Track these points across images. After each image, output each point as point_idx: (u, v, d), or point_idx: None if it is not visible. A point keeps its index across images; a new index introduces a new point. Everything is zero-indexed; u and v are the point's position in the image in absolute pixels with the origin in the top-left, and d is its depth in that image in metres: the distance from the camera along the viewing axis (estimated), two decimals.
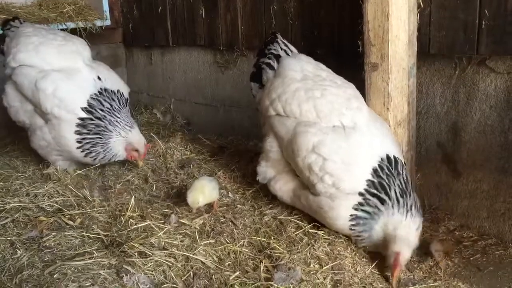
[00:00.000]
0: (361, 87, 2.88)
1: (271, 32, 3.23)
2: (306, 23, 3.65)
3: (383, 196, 2.49)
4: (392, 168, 2.53)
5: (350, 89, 2.83)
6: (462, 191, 3.00)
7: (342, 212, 2.56)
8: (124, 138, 3.45)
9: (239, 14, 4.14)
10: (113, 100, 3.46)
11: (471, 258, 2.68)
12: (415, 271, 2.53)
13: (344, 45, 3.38)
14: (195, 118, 4.91)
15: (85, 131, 3.34)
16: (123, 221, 2.77)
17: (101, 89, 3.44)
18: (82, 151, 3.38)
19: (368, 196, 2.50)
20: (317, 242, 2.66)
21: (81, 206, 2.99)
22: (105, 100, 3.41)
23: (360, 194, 2.51)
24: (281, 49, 3.06)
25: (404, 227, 2.44)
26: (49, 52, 3.49)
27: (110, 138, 3.41)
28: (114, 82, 3.60)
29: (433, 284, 2.40)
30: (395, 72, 2.79)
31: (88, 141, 3.37)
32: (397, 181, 2.50)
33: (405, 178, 2.54)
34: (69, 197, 3.07)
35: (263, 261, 2.49)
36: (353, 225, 2.55)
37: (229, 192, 3.26)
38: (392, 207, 2.46)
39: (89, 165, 3.57)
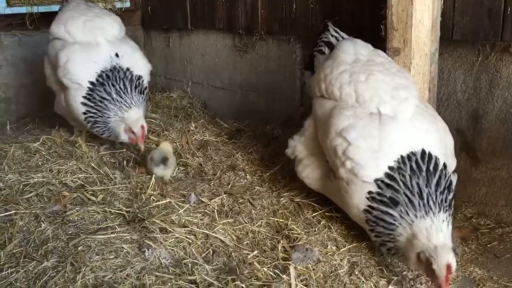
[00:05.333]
0: None
1: (323, 23, 3.16)
2: (327, 8, 3.63)
3: (399, 188, 2.25)
4: (421, 163, 2.28)
5: (402, 78, 2.61)
6: (480, 179, 2.99)
7: (356, 199, 2.39)
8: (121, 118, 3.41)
9: None
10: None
11: (488, 245, 2.69)
12: None
13: (366, 30, 3.35)
14: (212, 102, 4.93)
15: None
16: (144, 199, 2.83)
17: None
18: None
19: (384, 189, 2.29)
20: (334, 225, 2.69)
21: (103, 183, 3.05)
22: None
23: (377, 180, 2.31)
24: (332, 35, 2.96)
25: (425, 230, 2.16)
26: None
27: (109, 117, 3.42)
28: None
29: None
30: (417, 58, 2.78)
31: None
32: (421, 179, 2.24)
33: (436, 178, 2.25)
34: (91, 174, 3.13)
35: (281, 241, 2.53)
36: (370, 221, 2.38)
37: (247, 174, 3.30)
38: (412, 205, 2.22)
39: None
